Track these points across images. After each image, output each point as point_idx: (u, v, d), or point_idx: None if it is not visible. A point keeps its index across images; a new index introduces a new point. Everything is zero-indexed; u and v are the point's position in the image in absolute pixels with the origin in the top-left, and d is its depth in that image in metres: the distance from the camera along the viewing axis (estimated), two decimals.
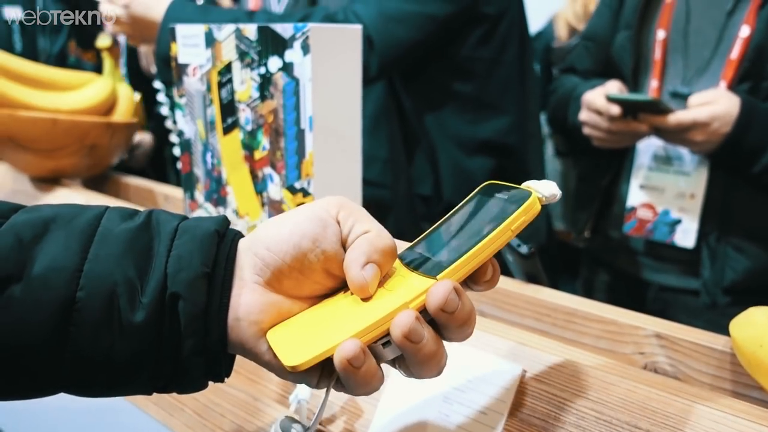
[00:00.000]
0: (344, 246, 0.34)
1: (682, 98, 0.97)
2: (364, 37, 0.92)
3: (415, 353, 0.31)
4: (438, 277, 0.32)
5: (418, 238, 0.36)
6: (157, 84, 0.97)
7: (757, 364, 0.42)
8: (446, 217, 0.37)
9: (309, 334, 0.32)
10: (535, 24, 1.56)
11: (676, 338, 0.49)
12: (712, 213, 0.97)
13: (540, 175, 1.21)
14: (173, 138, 0.88)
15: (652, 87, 1.01)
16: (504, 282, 0.60)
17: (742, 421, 0.39)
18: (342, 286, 0.35)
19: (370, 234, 0.33)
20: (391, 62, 0.98)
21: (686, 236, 0.99)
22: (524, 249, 0.58)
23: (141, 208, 0.36)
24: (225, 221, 0.35)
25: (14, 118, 0.93)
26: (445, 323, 0.32)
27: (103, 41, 1.08)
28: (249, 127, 0.66)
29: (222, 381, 0.35)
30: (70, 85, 1.03)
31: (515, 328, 0.51)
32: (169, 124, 0.90)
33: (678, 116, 0.89)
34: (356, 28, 0.61)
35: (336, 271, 0.34)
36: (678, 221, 1.00)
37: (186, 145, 0.76)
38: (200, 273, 0.32)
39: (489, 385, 0.46)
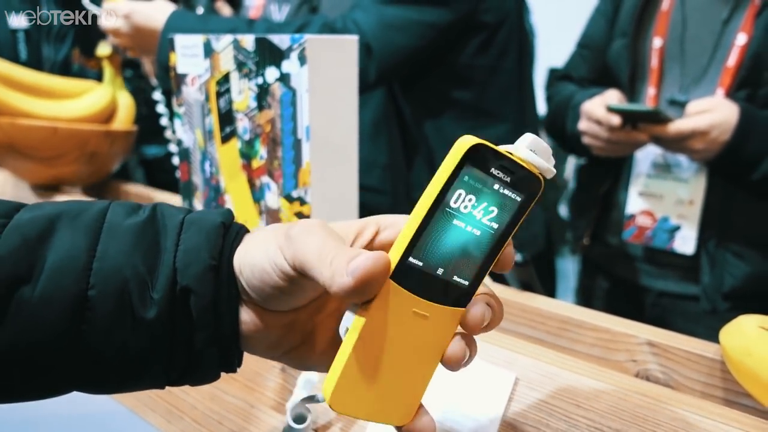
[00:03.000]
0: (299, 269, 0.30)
1: (679, 106, 0.98)
2: (363, 45, 0.93)
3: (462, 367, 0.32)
4: (467, 306, 0.31)
5: (403, 245, 0.30)
6: (156, 95, 0.98)
7: (745, 372, 0.42)
8: (431, 197, 0.29)
9: (387, 392, 0.31)
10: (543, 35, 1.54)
11: (667, 346, 0.50)
12: (711, 219, 0.97)
13: None
14: (172, 148, 0.88)
15: (649, 95, 1.02)
16: (498, 290, 0.61)
17: (731, 429, 0.39)
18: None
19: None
20: (390, 69, 0.99)
21: (686, 243, 1.00)
22: (518, 257, 0.58)
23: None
24: (229, 213, 0.35)
25: (15, 126, 0.93)
26: (482, 332, 0.32)
27: (103, 50, 1.09)
28: (247, 137, 0.67)
29: (234, 371, 0.35)
30: (70, 93, 1.03)
31: (509, 336, 0.52)
32: (168, 134, 0.91)
33: (678, 125, 0.90)
34: (353, 39, 0.62)
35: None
36: (677, 228, 1.01)
37: (185, 154, 0.77)
38: (208, 266, 0.32)
39: (482, 392, 0.47)
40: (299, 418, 0.42)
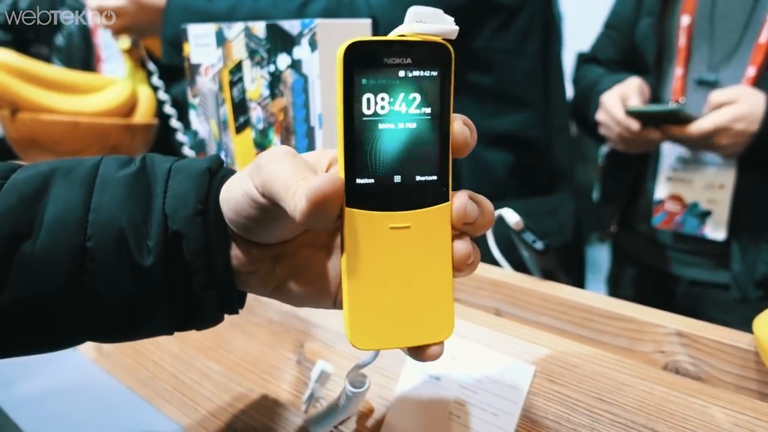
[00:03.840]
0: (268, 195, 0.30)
1: (708, 86, 0.94)
2: (370, 17, 0.91)
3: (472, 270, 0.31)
4: (449, 199, 0.29)
5: (342, 171, 0.28)
6: (156, 81, 0.97)
7: None
8: (344, 121, 0.28)
9: (411, 313, 0.30)
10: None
11: (698, 336, 0.47)
12: (743, 204, 0.93)
13: (567, 172, 1.19)
14: (180, 137, 0.88)
15: (676, 75, 0.98)
16: (520, 279, 0.59)
17: (765, 425, 0.37)
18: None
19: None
20: None
21: (717, 228, 0.96)
22: (539, 245, 0.56)
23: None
24: (217, 159, 0.35)
25: (37, 121, 0.94)
26: (473, 232, 0.31)
27: (123, 43, 1.09)
28: (260, 126, 0.66)
29: (236, 312, 0.36)
30: (91, 87, 1.04)
31: (529, 327, 0.50)
32: (173, 122, 0.90)
33: (698, 126, 0.87)
34: (365, 23, 0.60)
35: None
36: (708, 213, 0.97)
37: (201, 145, 0.77)
38: (196, 210, 0.32)
39: (501, 385, 0.45)
40: (357, 384, 0.41)
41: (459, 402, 0.46)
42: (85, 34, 1.58)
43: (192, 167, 0.34)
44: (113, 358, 0.65)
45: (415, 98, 0.28)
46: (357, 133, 0.28)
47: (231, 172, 0.35)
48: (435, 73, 0.28)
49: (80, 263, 0.31)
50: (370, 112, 0.28)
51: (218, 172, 0.34)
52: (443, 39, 0.28)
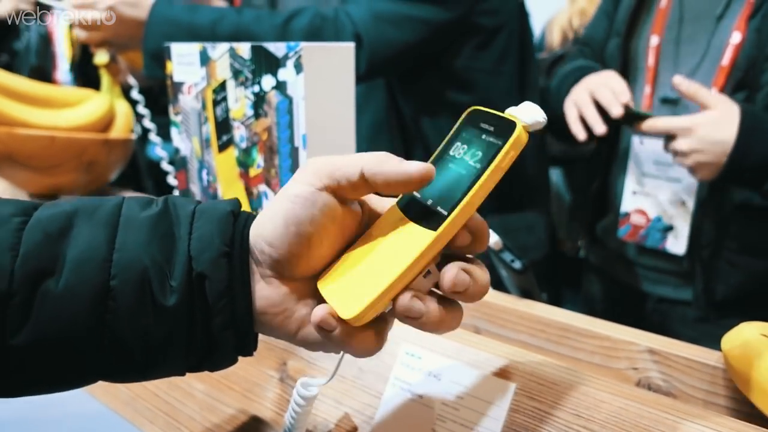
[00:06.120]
0: (343, 197, 0.34)
1: (672, 104, 0.98)
2: (354, 35, 0.93)
3: (420, 325, 0.33)
4: (438, 231, 0.33)
5: None
6: (136, 95, 0.97)
7: (747, 380, 0.42)
8: (438, 152, 0.36)
9: (350, 283, 0.34)
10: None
11: (668, 354, 0.49)
12: (704, 224, 0.97)
13: (543, 189, 1.22)
14: (159, 151, 0.88)
15: (645, 93, 1.02)
16: (498, 297, 0.60)
17: None
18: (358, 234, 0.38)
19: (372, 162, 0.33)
20: (380, 62, 0.98)
21: (677, 243, 0.99)
22: (518, 264, 0.58)
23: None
24: (238, 203, 0.36)
25: (12, 136, 0.93)
26: (460, 299, 0.34)
27: (100, 58, 1.09)
28: (244, 145, 0.67)
29: (251, 354, 0.37)
30: (67, 101, 1.03)
31: (509, 345, 0.52)
32: (152, 136, 0.90)
33: (655, 121, 0.89)
34: (349, 46, 0.62)
35: (348, 226, 0.36)
36: (670, 228, 1.00)
37: (182, 163, 0.77)
38: (221, 252, 0.33)
39: (482, 402, 0.46)
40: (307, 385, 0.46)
41: (441, 419, 0.47)
42: (45, 41, 1.56)
43: (216, 210, 0.35)
44: None
45: (478, 154, 0.34)
46: (438, 163, 0.35)
47: (252, 216, 0.36)
48: (499, 143, 0.33)
49: (103, 302, 0.32)
50: (451, 153, 0.35)
51: (240, 215, 0.36)
52: (526, 127, 0.33)
